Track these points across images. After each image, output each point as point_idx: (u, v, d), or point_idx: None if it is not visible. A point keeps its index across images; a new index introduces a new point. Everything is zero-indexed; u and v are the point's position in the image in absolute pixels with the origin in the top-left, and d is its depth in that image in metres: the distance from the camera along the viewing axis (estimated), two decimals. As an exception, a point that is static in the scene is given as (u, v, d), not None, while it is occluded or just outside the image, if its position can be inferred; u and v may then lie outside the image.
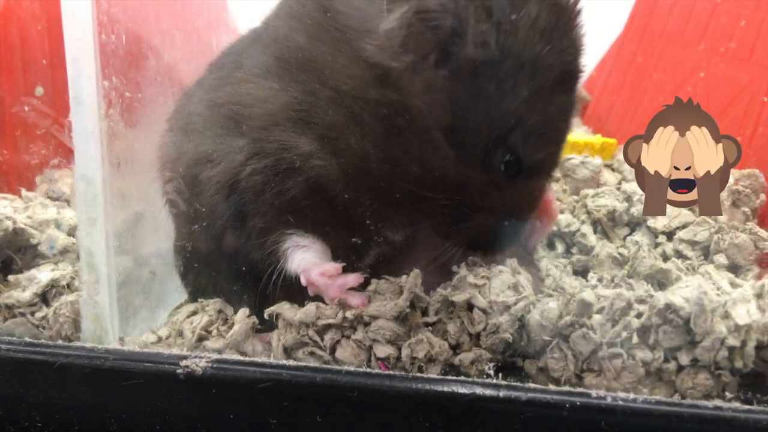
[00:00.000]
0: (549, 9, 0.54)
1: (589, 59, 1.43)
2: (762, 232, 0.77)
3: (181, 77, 0.72)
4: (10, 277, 0.64)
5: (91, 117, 0.56)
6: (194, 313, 0.66)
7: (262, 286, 0.61)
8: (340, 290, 0.59)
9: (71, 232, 0.67)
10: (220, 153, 0.59)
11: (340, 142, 0.56)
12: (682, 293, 0.57)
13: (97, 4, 0.55)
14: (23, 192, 0.78)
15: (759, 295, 0.60)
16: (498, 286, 0.62)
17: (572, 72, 0.58)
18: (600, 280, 0.77)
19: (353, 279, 0.59)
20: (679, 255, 0.78)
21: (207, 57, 0.79)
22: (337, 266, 0.59)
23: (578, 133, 1.13)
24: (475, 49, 0.52)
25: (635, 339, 0.58)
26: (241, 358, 0.60)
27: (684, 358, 0.57)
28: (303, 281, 0.59)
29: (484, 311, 0.60)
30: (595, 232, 0.85)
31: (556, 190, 0.91)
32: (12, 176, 0.79)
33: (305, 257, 0.59)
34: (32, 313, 0.62)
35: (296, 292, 0.62)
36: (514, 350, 0.62)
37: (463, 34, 0.52)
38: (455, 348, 0.61)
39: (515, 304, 0.60)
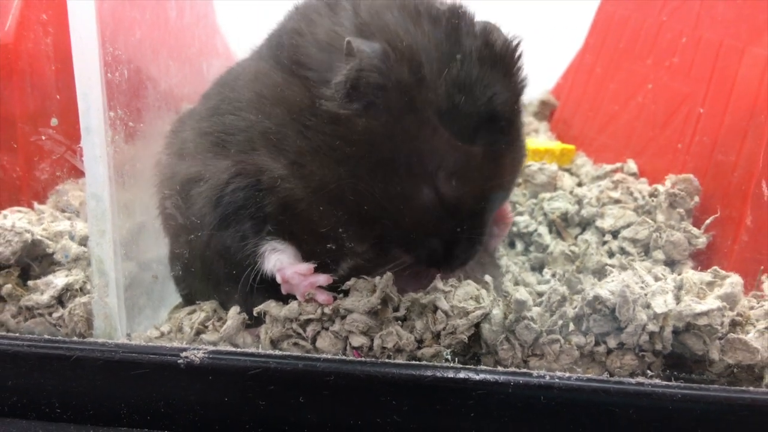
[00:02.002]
0: (476, 63, 0.62)
1: (557, 66, 1.53)
2: (695, 231, 0.86)
3: (177, 101, 0.81)
4: (29, 283, 0.72)
5: (99, 143, 0.65)
6: (192, 311, 0.75)
7: (242, 284, 0.70)
8: (310, 287, 0.68)
9: (82, 242, 0.75)
10: (207, 173, 0.68)
11: (305, 168, 0.65)
12: (608, 287, 0.66)
13: (103, 47, 0.64)
14: (36, 205, 0.87)
15: (679, 287, 0.70)
16: (462, 295, 0.70)
17: (499, 115, 0.64)
18: (554, 275, 0.87)
19: (323, 279, 0.68)
20: (623, 251, 0.88)
21: (199, 81, 0.88)
22: (309, 266, 0.68)
23: (541, 140, 1.22)
24: (401, 103, 0.61)
25: (571, 326, 0.68)
26: (233, 349, 0.69)
27: (612, 342, 0.66)
28: (278, 279, 0.68)
29: (446, 313, 0.68)
30: (550, 232, 0.94)
31: (516, 194, 1.00)
32: (25, 191, 0.88)
33: (281, 258, 0.68)
34: (50, 314, 0.70)
35: (272, 291, 0.71)
36: (473, 353, 0.70)
37: (390, 90, 0.60)
38: (420, 342, 0.70)
39: (473, 311, 0.68)
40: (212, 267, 0.71)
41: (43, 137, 0.82)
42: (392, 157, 0.62)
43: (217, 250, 0.69)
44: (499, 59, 0.64)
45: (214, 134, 0.69)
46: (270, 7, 0.75)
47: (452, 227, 0.66)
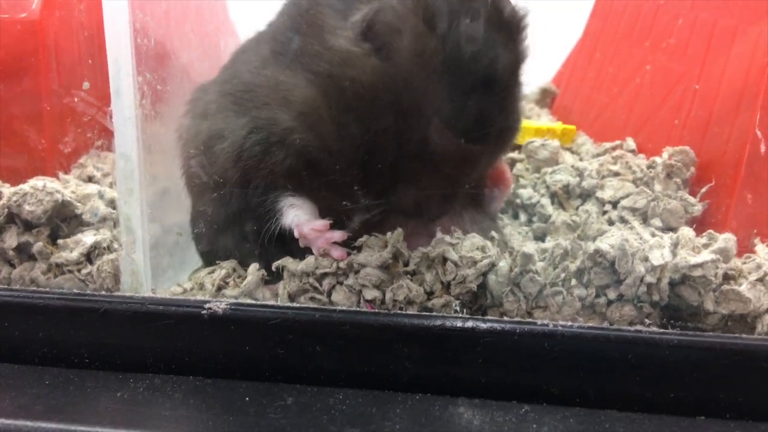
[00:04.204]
0: (486, 24, 0.66)
1: (557, 57, 1.58)
2: (691, 199, 0.90)
3: (196, 75, 0.85)
4: (59, 241, 0.76)
5: (128, 105, 0.69)
6: (213, 270, 0.79)
7: (260, 238, 0.74)
8: (325, 243, 0.71)
9: (108, 204, 0.80)
10: (228, 130, 0.72)
11: (313, 117, 0.69)
12: (608, 241, 0.70)
13: (133, 14, 0.68)
14: (60, 175, 0.91)
15: (675, 244, 0.74)
16: (468, 246, 0.74)
17: (496, 75, 0.67)
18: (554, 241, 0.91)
19: (338, 235, 0.72)
20: (622, 220, 0.92)
21: (216, 57, 0.93)
22: (326, 223, 0.72)
23: (543, 121, 1.26)
24: (410, 47, 0.65)
25: (573, 280, 0.71)
26: (254, 301, 0.73)
27: (612, 294, 0.70)
28: (295, 234, 0.72)
29: (455, 264, 0.71)
30: (552, 203, 0.98)
31: (519, 169, 1.04)
32: (49, 162, 0.92)
33: (298, 214, 0.72)
34: (79, 270, 0.74)
35: (289, 247, 0.75)
36: (480, 305, 0.74)
37: (403, 34, 0.65)
38: (429, 294, 0.73)
39: (481, 260, 0.72)
40: (233, 223, 0.75)
41: (76, 99, 0.86)
42: (393, 100, 0.66)
43: (237, 205, 0.73)
44: (505, 24, 0.68)
45: (234, 94, 0.73)
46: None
47: (434, 179, 0.70)
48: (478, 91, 0.66)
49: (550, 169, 1.01)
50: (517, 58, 0.71)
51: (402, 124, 0.67)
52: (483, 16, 0.66)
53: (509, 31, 0.69)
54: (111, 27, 0.67)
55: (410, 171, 0.69)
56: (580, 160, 1.08)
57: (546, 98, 1.47)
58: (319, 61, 0.67)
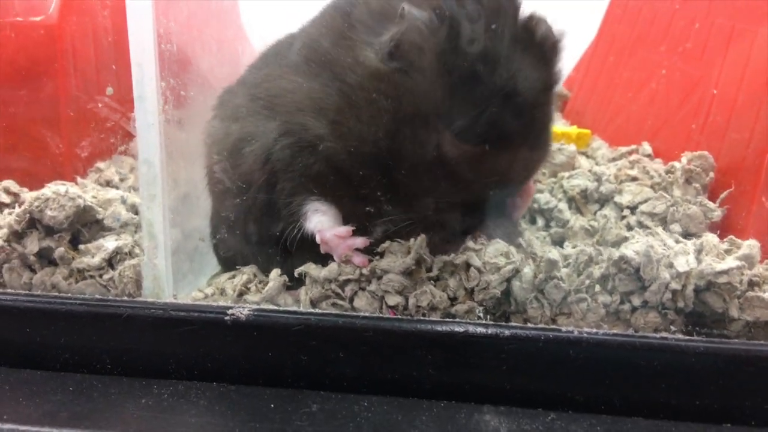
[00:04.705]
0: (510, 42, 0.66)
1: (569, 60, 1.58)
2: (710, 204, 0.90)
3: (216, 79, 0.85)
4: (81, 246, 0.76)
5: (151, 111, 0.69)
6: (233, 275, 0.79)
7: (283, 242, 0.74)
8: (347, 249, 0.72)
9: (129, 209, 0.79)
10: (258, 133, 0.73)
11: (343, 126, 0.69)
12: (633, 248, 0.70)
13: (157, 20, 0.68)
14: (78, 179, 0.90)
15: (699, 250, 0.74)
16: (492, 252, 0.74)
17: (520, 94, 0.67)
18: (574, 248, 0.91)
19: (360, 241, 0.72)
20: (641, 225, 0.91)
21: (234, 63, 0.93)
22: (348, 229, 0.72)
23: (557, 125, 1.26)
24: (434, 65, 0.66)
25: (597, 287, 0.71)
26: (277, 307, 0.73)
27: (636, 300, 0.70)
28: (318, 239, 0.72)
29: (478, 270, 0.71)
30: (570, 208, 0.98)
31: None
32: (67, 167, 0.92)
33: (322, 219, 0.72)
34: (100, 276, 0.74)
35: (311, 253, 0.74)
36: (503, 311, 0.74)
37: (429, 54, 0.66)
38: (453, 300, 0.73)
39: (504, 266, 0.72)
40: (256, 226, 0.75)
41: (99, 105, 0.86)
42: (418, 115, 0.67)
43: (262, 208, 0.73)
44: (535, 46, 0.68)
45: (265, 98, 0.74)
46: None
47: (459, 194, 0.70)
48: (502, 109, 0.66)
49: (567, 174, 1.01)
50: (546, 82, 0.70)
51: (423, 135, 0.67)
52: (509, 35, 0.66)
53: (539, 53, 0.69)
54: (135, 32, 0.67)
55: (437, 187, 0.70)
56: (596, 164, 1.08)
57: (557, 101, 1.47)
58: (351, 74, 0.68)
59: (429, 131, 0.67)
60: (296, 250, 0.74)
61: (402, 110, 0.67)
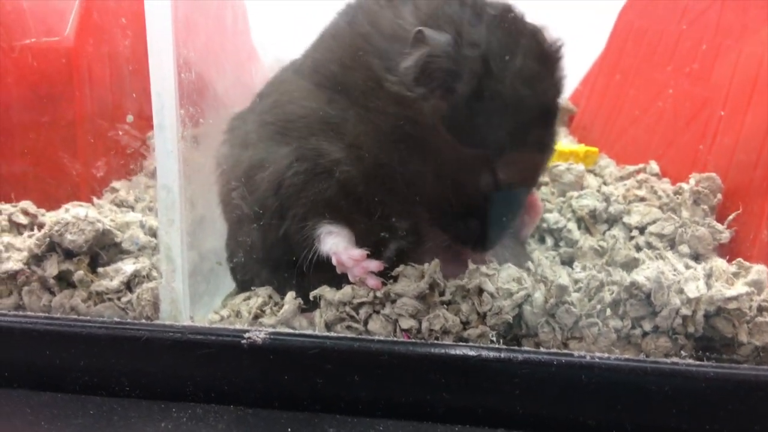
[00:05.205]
0: (533, 59, 0.68)
1: (575, 75, 1.59)
2: (719, 226, 0.91)
3: (231, 101, 0.87)
4: (99, 269, 0.77)
5: (171, 139, 0.70)
6: (249, 297, 0.80)
7: (298, 269, 0.75)
8: (362, 271, 0.73)
9: (147, 232, 0.81)
10: (270, 159, 0.74)
11: (362, 150, 0.70)
12: (644, 273, 0.71)
13: (177, 50, 0.69)
14: (95, 200, 0.92)
15: (709, 275, 0.75)
16: (505, 277, 0.75)
17: (550, 109, 0.72)
18: (583, 268, 0.92)
19: (375, 265, 0.73)
20: (650, 246, 0.92)
21: (248, 84, 0.94)
22: (363, 252, 0.73)
23: (564, 143, 1.27)
24: (468, 89, 0.67)
25: (608, 311, 0.72)
26: (293, 330, 0.74)
27: (647, 325, 0.71)
28: (333, 261, 0.73)
29: (491, 295, 0.72)
30: (579, 228, 0.99)
31: (545, 192, 1.05)
32: (83, 187, 0.93)
33: (336, 242, 0.73)
34: (119, 298, 0.75)
35: (326, 277, 0.76)
36: (514, 335, 0.75)
37: (460, 76, 0.67)
38: (465, 324, 0.74)
39: (517, 292, 0.73)
40: (271, 251, 0.76)
41: (120, 132, 0.87)
42: (453, 138, 0.68)
43: (276, 233, 0.74)
44: (547, 57, 0.71)
45: (276, 124, 0.75)
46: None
47: (492, 210, 0.72)
48: (536, 124, 0.70)
49: (576, 194, 1.02)
50: (559, 89, 0.74)
51: (460, 159, 0.69)
52: (531, 51, 0.68)
53: (551, 63, 0.71)
54: (156, 62, 0.69)
55: (467, 201, 0.71)
56: (604, 183, 1.09)
57: (563, 116, 1.48)
58: (372, 99, 0.69)
59: (468, 154, 0.69)
60: (311, 273, 0.75)
61: (434, 134, 0.68)
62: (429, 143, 0.68)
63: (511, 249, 0.86)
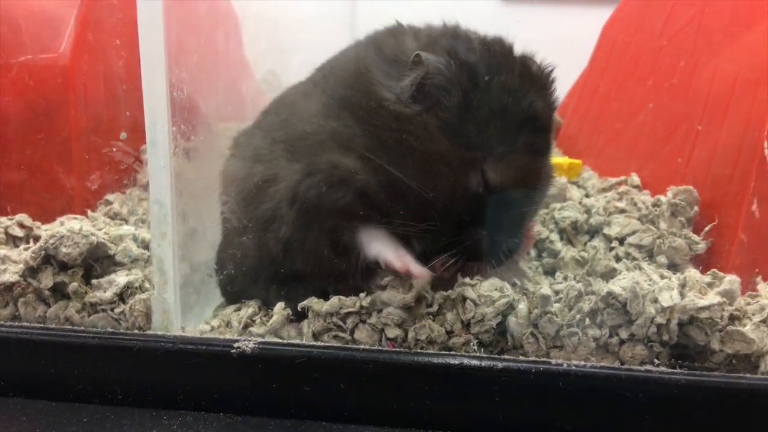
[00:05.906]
0: (518, 76, 0.74)
1: (561, 88, 1.62)
2: (695, 237, 0.94)
3: (223, 118, 0.89)
4: (93, 281, 0.79)
5: (163, 155, 0.73)
6: (239, 308, 0.83)
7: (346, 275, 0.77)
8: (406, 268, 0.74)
9: (140, 244, 0.83)
10: (282, 174, 0.77)
11: (374, 162, 0.74)
12: (620, 283, 0.74)
13: (170, 69, 0.72)
14: (89, 213, 0.94)
15: (683, 285, 0.78)
16: (487, 286, 0.78)
17: (538, 117, 0.76)
18: (565, 278, 0.95)
19: (420, 272, 0.74)
20: (629, 256, 0.95)
21: (239, 102, 0.97)
22: (410, 258, 0.75)
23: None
24: (459, 102, 0.73)
25: (587, 320, 0.75)
26: (281, 340, 0.76)
27: (624, 334, 0.73)
28: (382, 264, 0.75)
29: (474, 302, 0.75)
30: (561, 239, 1.02)
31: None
32: (77, 200, 0.95)
33: (383, 245, 0.76)
34: (112, 309, 0.77)
35: (313, 289, 0.79)
36: (501, 348, 0.76)
37: (451, 92, 0.72)
38: (449, 333, 0.76)
39: (499, 299, 0.75)
40: (276, 261, 0.79)
41: (114, 149, 0.90)
42: (448, 149, 0.73)
43: (285, 243, 0.77)
44: (535, 77, 0.76)
45: (286, 142, 0.79)
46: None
47: (496, 220, 0.75)
48: (525, 132, 0.74)
49: (558, 206, 1.05)
50: (549, 107, 0.79)
51: (456, 168, 0.73)
52: (516, 70, 0.74)
53: (540, 83, 0.77)
54: (148, 81, 0.71)
55: (467, 207, 0.75)
56: (587, 194, 1.12)
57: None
58: (375, 116, 0.74)
59: (462, 163, 0.73)
60: (360, 279, 0.77)
61: (432, 146, 0.73)
62: (430, 154, 0.73)
63: (513, 270, 0.88)
